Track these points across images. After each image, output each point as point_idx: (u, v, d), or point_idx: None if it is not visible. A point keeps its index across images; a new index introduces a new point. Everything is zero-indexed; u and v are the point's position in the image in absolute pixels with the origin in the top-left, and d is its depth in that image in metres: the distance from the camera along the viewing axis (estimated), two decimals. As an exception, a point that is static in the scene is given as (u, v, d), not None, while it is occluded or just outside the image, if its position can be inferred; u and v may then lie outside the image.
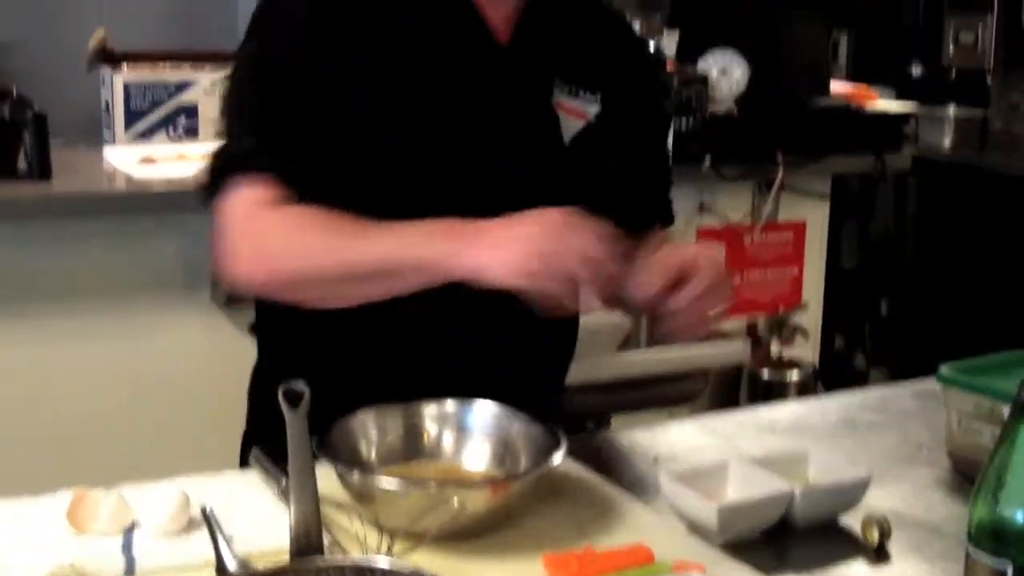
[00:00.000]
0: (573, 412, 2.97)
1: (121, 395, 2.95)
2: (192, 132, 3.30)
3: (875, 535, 1.41)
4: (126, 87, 3.25)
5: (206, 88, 3.26)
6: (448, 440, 1.50)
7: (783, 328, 3.61)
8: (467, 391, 1.56)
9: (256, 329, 1.83)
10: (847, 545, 1.42)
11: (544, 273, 1.41)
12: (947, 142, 4.37)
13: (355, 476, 1.34)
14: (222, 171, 1.59)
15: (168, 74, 3.29)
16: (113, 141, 3.29)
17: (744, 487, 1.44)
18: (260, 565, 1.23)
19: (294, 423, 1.24)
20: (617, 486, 1.50)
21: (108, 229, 2.91)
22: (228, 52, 1.77)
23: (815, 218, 3.75)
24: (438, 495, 1.30)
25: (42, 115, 2.87)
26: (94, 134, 3.38)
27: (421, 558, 1.25)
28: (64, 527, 1.34)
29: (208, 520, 1.30)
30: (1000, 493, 1.07)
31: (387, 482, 1.32)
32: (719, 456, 1.57)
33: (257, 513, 1.40)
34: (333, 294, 1.55)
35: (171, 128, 3.31)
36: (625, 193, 1.75)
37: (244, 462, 1.69)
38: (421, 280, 1.50)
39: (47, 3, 3.61)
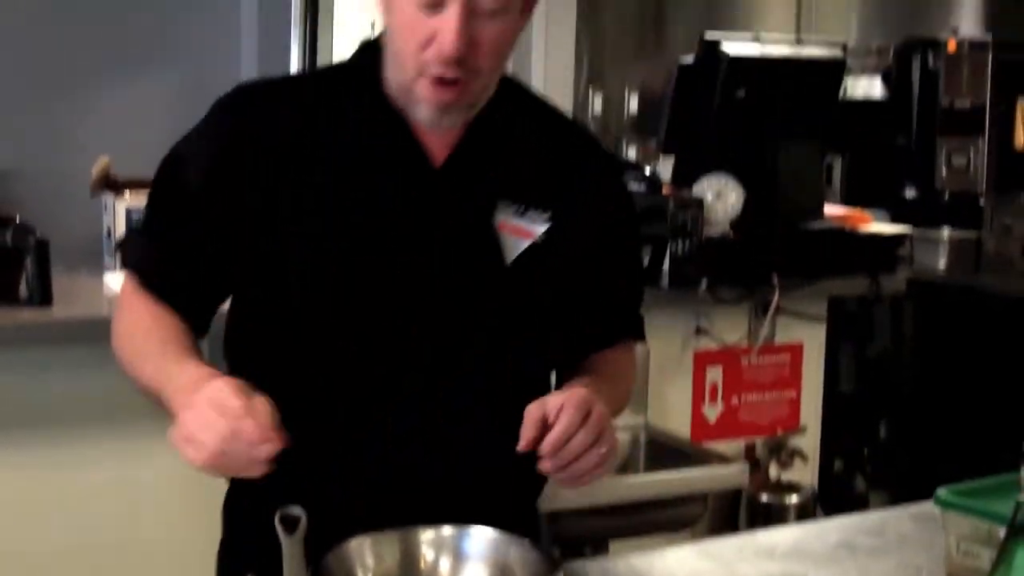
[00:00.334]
0: (570, 537, 2.97)
1: (121, 517, 2.94)
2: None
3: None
4: (128, 213, 3.28)
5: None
6: (445, 566, 1.50)
7: (782, 451, 3.59)
8: (436, 508, 1.58)
9: None
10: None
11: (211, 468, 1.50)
12: (942, 264, 4.40)
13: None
14: (124, 251, 1.81)
15: (170, 201, 3.32)
16: (115, 267, 3.31)
17: (742, 612, 1.43)
18: None
19: (290, 548, 1.24)
20: (615, 612, 1.49)
21: (108, 355, 2.91)
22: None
23: (812, 340, 3.76)
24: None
25: (44, 241, 2.90)
26: (96, 260, 3.40)
27: None
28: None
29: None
30: (997, 617, 1.07)
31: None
32: (717, 581, 1.56)
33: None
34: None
35: (172, 254, 3.33)
36: (583, 309, 1.76)
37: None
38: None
39: (50, 131, 3.66)
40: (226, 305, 1.78)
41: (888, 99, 4.93)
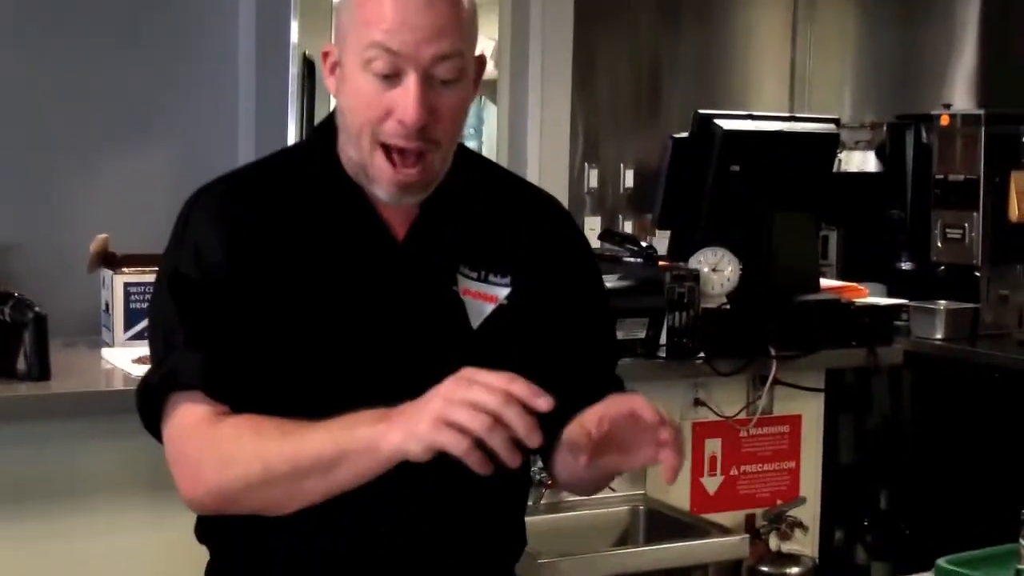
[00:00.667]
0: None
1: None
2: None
3: None
4: (126, 288, 3.30)
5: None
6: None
7: (782, 522, 3.57)
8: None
9: (199, 533, 1.82)
10: None
11: (455, 431, 1.42)
12: (939, 335, 4.41)
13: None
14: (155, 395, 1.65)
15: (168, 275, 3.34)
16: (112, 341, 3.32)
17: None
18: None
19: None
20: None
21: (106, 429, 2.91)
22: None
23: (810, 412, 3.76)
24: None
25: (42, 316, 2.90)
26: (94, 334, 3.41)
27: None
28: None
29: None
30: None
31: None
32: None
33: None
34: (272, 499, 1.57)
35: (170, 329, 3.34)
36: (557, 370, 1.75)
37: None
38: (354, 471, 1.52)
39: (48, 206, 3.68)
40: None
41: (882, 172, 4.97)
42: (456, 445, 1.42)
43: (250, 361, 1.66)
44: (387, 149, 1.64)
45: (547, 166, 4.57)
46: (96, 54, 3.74)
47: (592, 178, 4.82)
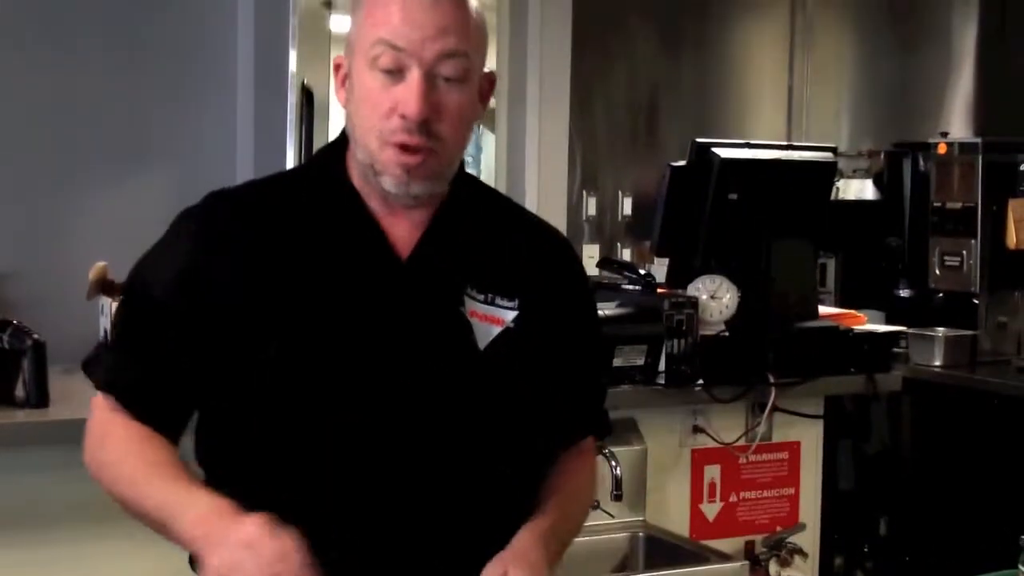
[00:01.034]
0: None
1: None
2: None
3: None
4: (125, 316, 3.29)
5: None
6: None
7: (781, 549, 3.57)
8: None
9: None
10: None
11: None
12: (937, 362, 4.41)
13: None
14: (93, 368, 1.79)
15: (166, 302, 3.34)
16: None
17: None
18: None
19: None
20: None
21: (104, 456, 2.90)
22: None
23: (809, 438, 3.76)
24: None
25: (41, 343, 2.91)
26: (92, 361, 3.40)
27: None
28: None
29: None
30: None
31: None
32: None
33: None
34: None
35: (168, 356, 3.34)
36: (547, 400, 1.77)
37: None
38: (172, 540, 1.64)
39: (47, 233, 3.68)
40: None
41: (880, 200, 4.98)
42: None
43: (187, 380, 1.70)
44: (392, 142, 1.66)
45: (545, 194, 4.58)
46: (95, 81, 3.76)
47: (591, 206, 4.84)
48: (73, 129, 3.73)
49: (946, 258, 4.62)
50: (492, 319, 1.73)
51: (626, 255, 4.83)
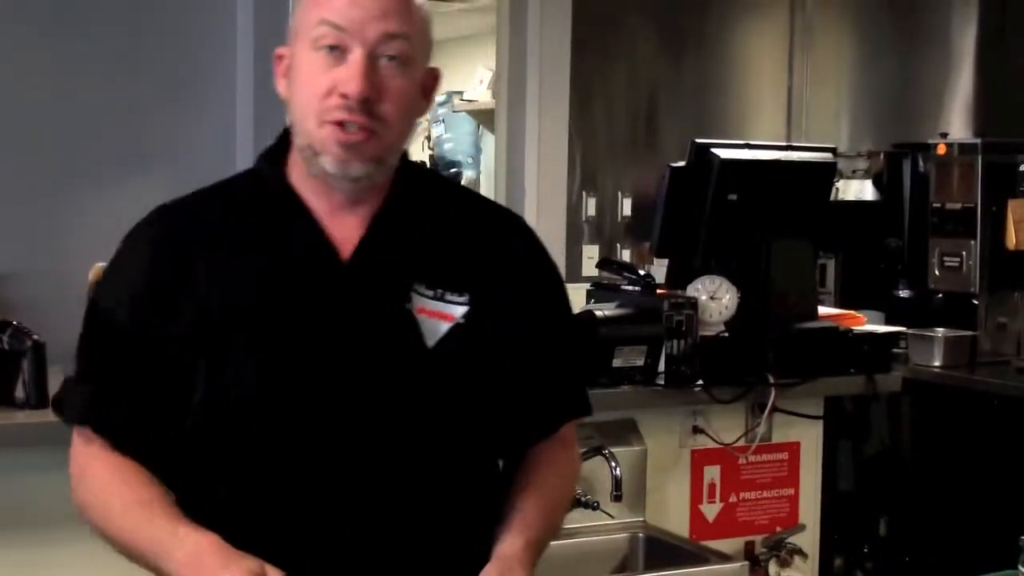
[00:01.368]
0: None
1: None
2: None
3: None
4: (125, 317, 3.30)
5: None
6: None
7: (781, 549, 3.57)
8: None
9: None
10: None
11: None
12: (937, 363, 4.41)
13: None
14: (65, 406, 1.79)
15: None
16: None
17: None
18: None
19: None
20: None
21: (103, 457, 2.90)
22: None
23: (809, 439, 3.76)
24: None
25: (40, 344, 2.91)
26: (92, 363, 3.41)
27: None
28: None
29: None
30: None
31: None
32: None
33: None
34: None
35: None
36: (508, 393, 1.75)
37: None
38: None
39: (46, 234, 3.68)
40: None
41: (880, 201, 4.98)
42: None
43: (164, 401, 1.69)
44: (332, 119, 1.65)
45: (545, 195, 4.59)
46: (94, 82, 3.76)
47: (590, 206, 4.84)
48: (72, 130, 3.73)
49: (946, 259, 4.62)
50: (440, 315, 1.70)
51: (626, 256, 4.84)
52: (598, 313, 3.39)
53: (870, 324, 4.06)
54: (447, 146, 6.09)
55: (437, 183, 1.89)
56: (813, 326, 3.79)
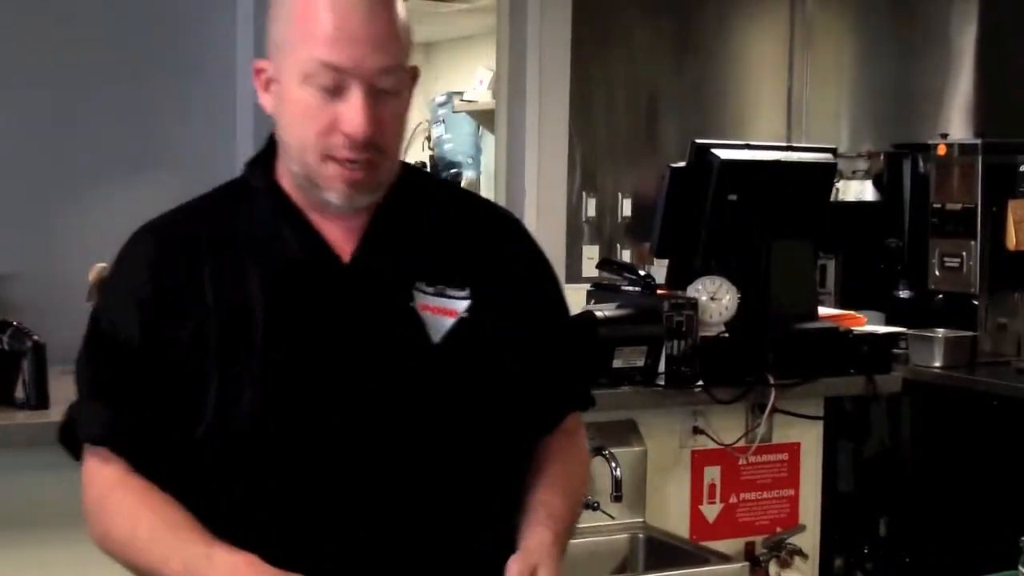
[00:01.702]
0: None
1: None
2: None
3: None
4: (125, 317, 3.30)
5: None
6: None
7: (781, 550, 3.57)
8: None
9: None
10: None
11: None
12: (937, 363, 4.41)
13: None
14: (74, 433, 1.75)
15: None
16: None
17: None
18: None
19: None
20: None
21: (104, 457, 2.90)
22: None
23: (809, 439, 3.76)
24: None
25: (41, 344, 2.91)
26: (92, 363, 3.41)
27: None
28: None
29: None
30: None
31: None
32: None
33: None
34: None
35: (168, 357, 3.34)
36: (515, 385, 1.75)
37: None
38: None
39: (47, 235, 3.68)
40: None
41: (880, 201, 4.98)
42: None
43: (178, 411, 1.67)
44: (337, 157, 1.64)
45: (545, 195, 4.59)
46: (95, 84, 3.76)
47: (590, 207, 4.84)
48: (73, 132, 3.73)
49: (946, 259, 4.62)
50: (444, 311, 1.70)
51: (626, 256, 4.83)
52: (598, 314, 3.39)
53: (870, 325, 4.06)
54: (447, 146, 6.09)
55: (432, 184, 1.89)
56: (813, 327, 3.79)
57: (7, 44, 3.67)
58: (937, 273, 4.64)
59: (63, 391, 2.99)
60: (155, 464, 1.68)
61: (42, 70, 3.69)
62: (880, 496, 4.51)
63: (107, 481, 1.71)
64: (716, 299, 3.60)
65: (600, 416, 3.14)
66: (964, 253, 4.57)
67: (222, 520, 1.65)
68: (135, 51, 3.82)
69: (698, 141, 3.80)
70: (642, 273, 3.69)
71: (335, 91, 1.61)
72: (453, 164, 6.03)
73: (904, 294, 4.84)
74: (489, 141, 5.65)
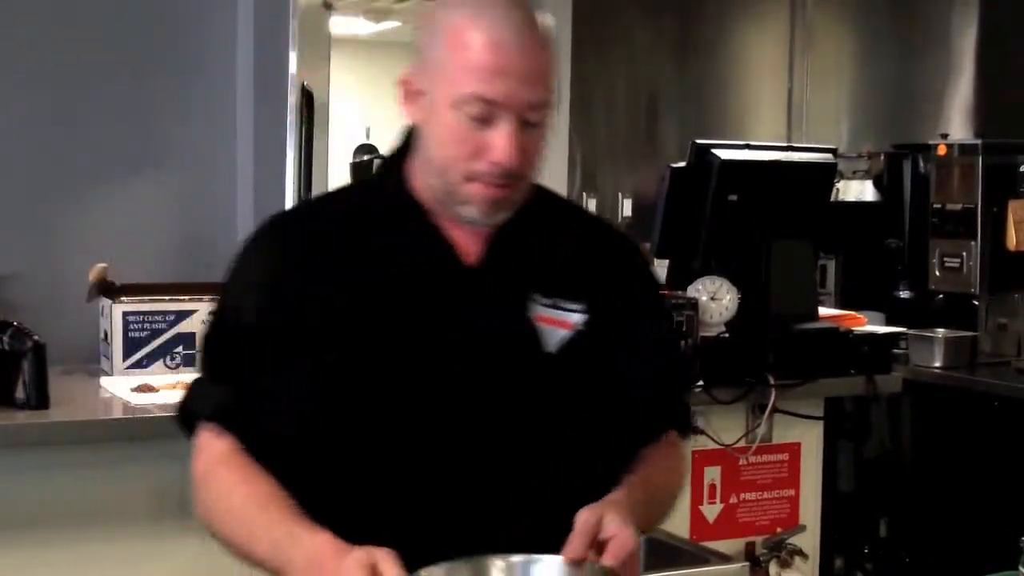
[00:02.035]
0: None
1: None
2: (190, 361, 3.33)
3: None
4: (125, 317, 3.30)
5: (205, 317, 3.31)
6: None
7: (781, 550, 3.57)
8: None
9: None
10: None
11: None
12: (937, 363, 4.41)
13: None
14: (190, 411, 1.78)
15: (167, 304, 3.35)
16: (111, 370, 3.32)
17: None
18: None
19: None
20: None
21: (105, 458, 2.91)
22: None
23: (810, 440, 3.76)
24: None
25: (41, 345, 2.91)
26: (92, 363, 3.41)
27: None
28: None
29: None
30: None
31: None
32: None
33: None
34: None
35: (169, 357, 3.35)
36: (623, 400, 1.77)
37: None
38: None
39: (47, 235, 3.68)
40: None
41: (880, 202, 4.98)
42: None
43: (289, 397, 1.70)
44: (480, 181, 1.67)
45: (545, 195, 4.58)
46: (95, 83, 3.75)
47: (590, 207, 4.83)
48: (73, 132, 3.72)
49: (946, 259, 4.62)
50: (559, 323, 1.73)
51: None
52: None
53: (870, 325, 4.06)
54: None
55: (553, 198, 1.91)
56: (813, 327, 3.79)
57: (7, 44, 3.66)
58: (937, 273, 4.64)
59: (63, 391, 3.01)
60: (262, 445, 1.71)
61: (42, 70, 3.68)
62: (880, 496, 4.51)
63: (212, 456, 1.73)
64: (716, 299, 3.60)
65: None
66: (964, 253, 4.57)
67: (319, 506, 1.65)
68: (135, 51, 3.81)
69: (698, 141, 3.80)
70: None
71: (485, 120, 1.64)
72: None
73: (904, 294, 4.84)
74: (489, 141, 5.64)
